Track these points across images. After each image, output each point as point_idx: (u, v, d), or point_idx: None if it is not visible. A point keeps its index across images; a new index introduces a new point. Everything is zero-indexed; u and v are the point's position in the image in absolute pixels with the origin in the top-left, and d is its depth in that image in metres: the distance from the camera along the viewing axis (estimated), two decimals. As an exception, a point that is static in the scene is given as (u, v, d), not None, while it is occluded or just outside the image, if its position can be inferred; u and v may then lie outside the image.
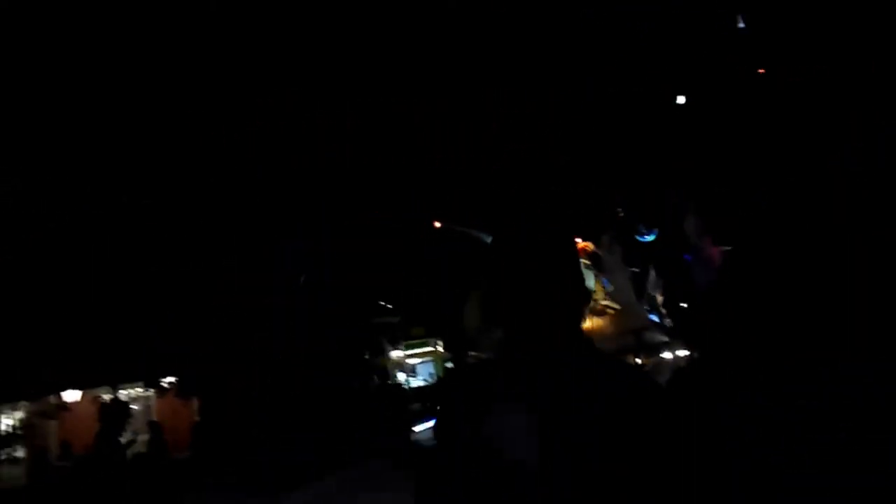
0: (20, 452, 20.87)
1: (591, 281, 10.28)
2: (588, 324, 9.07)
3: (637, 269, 12.39)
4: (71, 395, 21.54)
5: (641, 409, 1.46)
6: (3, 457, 19.03)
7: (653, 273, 12.31)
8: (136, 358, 17.52)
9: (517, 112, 11.07)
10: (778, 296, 1.61)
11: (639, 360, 9.52)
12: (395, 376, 20.23)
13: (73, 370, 19.01)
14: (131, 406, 22.46)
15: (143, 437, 22.87)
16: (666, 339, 10.14)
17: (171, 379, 20.77)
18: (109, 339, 16.94)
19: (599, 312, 10.13)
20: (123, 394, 22.12)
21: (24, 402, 21.28)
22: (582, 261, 10.20)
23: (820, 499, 1.36)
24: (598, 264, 11.53)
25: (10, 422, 21.90)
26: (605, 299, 10.39)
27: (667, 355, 10.03)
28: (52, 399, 21.51)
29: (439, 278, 13.48)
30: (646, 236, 12.69)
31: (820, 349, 1.52)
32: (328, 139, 10.99)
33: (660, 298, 11.96)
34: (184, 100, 10.49)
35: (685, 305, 10.81)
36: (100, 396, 21.61)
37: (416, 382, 21.64)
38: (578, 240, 10.54)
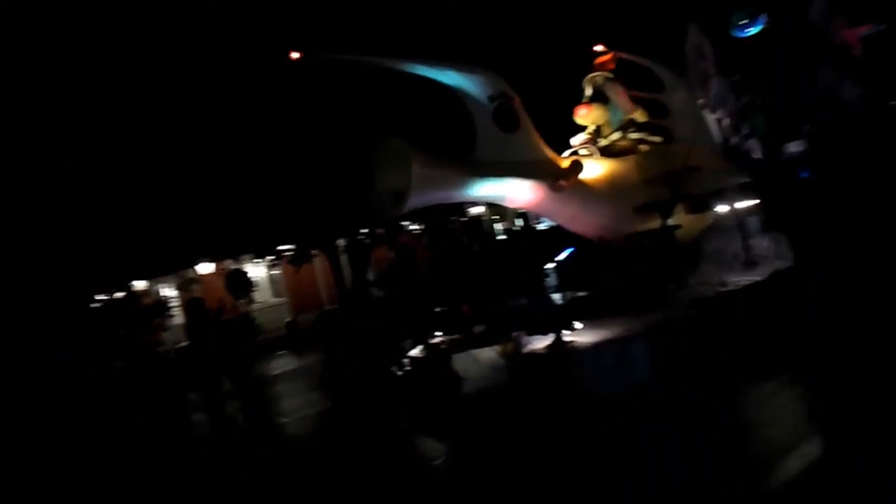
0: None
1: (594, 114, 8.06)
2: (593, 169, 7.68)
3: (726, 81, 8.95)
4: (204, 268, 24.42)
5: None
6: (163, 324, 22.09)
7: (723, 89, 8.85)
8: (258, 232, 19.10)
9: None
10: None
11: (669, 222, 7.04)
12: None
13: (205, 245, 21.60)
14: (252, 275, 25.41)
15: (272, 302, 26.00)
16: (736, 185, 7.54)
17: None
18: (235, 216, 18.60)
19: (618, 152, 7.87)
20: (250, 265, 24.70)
21: (171, 275, 24.65)
22: (598, 78, 8.41)
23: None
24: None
25: (166, 293, 25.49)
26: (631, 132, 7.95)
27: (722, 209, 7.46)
28: (189, 272, 24.64)
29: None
30: (747, 29, 9.21)
31: None
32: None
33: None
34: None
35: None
36: (227, 268, 24.33)
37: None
38: (600, 48, 8.46)
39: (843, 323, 5.31)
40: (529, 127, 7.31)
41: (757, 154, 9.43)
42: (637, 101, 8.52)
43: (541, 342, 6.27)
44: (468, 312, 7.21)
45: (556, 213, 7.55)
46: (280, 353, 15.30)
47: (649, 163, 7.86)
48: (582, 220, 7.57)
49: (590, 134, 8.24)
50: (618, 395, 5.20)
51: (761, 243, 7.58)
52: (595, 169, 7.64)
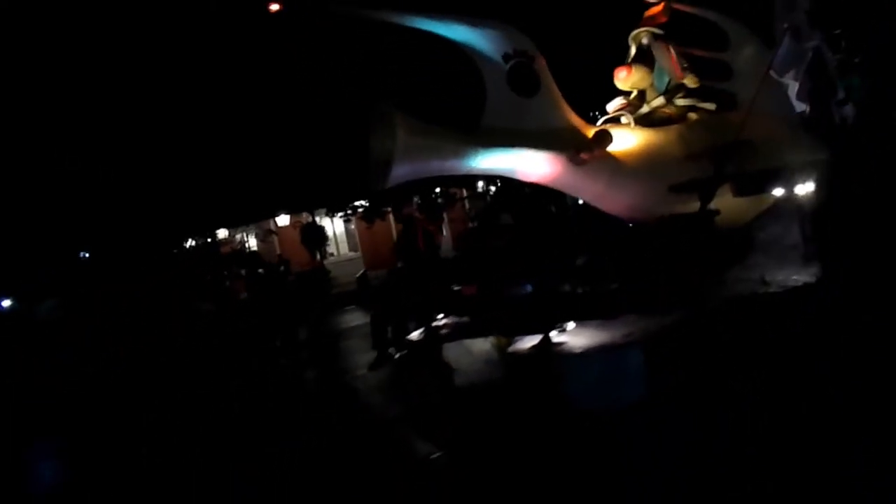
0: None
1: (635, 76, 6.83)
2: (627, 140, 6.60)
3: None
4: (282, 220, 24.91)
5: None
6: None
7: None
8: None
9: None
10: None
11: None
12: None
13: (284, 198, 22.01)
14: (328, 229, 25.63)
15: (348, 256, 26.23)
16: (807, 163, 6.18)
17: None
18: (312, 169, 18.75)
19: (660, 121, 6.74)
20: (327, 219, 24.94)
21: (251, 225, 25.40)
22: (642, 34, 7.10)
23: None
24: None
25: (249, 242, 26.35)
26: (679, 98, 6.75)
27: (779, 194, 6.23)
28: (268, 223, 25.24)
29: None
30: None
31: None
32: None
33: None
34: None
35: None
36: (301, 221, 24.69)
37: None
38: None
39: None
40: (552, 90, 6.36)
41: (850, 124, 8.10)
42: (695, 61, 7.37)
43: (528, 341, 5.54)
44: (474, 295, 6.60)
45: (580, 189, 6.57)
46: (350, 307, 15.41)
47: (695, 134, 6.66)
48: (610, 198, 6.58)
49: (629, 99, 7.16)
50: (602, 413, 4.50)
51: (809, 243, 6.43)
52: (629, 140, 6.56)
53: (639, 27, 7.22)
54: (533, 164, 6.20)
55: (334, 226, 25.65)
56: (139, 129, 17.06)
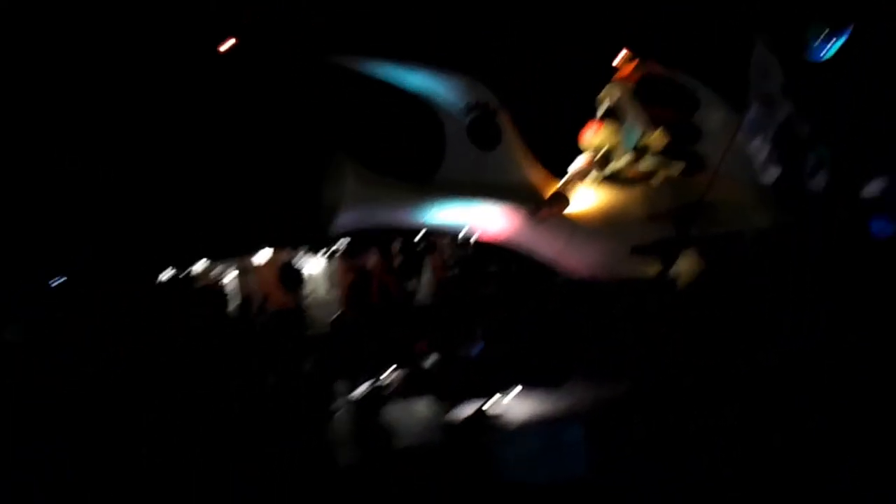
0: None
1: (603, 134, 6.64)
2: (590, 198, 6.43)
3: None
4: (262, 256, 24.62)
5: None
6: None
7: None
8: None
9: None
10: None
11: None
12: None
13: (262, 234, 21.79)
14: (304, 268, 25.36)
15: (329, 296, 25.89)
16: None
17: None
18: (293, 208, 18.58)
19: (626, 180, 6.56)
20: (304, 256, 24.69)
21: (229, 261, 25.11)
22: (613, 92, 6.95)
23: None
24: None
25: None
26: (647, 158, 6.53)
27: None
28: (246, 260, 24.96)
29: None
30: (825, 49, 7.39)
31: None
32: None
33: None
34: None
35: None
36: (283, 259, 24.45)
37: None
38: (622, 55, 6.97)
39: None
40: (514, 144, 6.24)
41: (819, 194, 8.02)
42: (664, 122, 7.31)
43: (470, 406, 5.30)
44: (424, 351, 6.34)
45: (539, 247, 6.28)
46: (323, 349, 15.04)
47: (661, 195, 6.45)
48: (570, 258, 6.31)
49: (596, 157, 7.05)
50: (538, 487, 4.20)
51: (781, 313, 6.26)
52: (592, 198, 6.40)
53: (609, 85, 7.22)
54: (489, 220, 5.99)
55: (314, 264, 25.42)
56: (112, 154, 16.93)
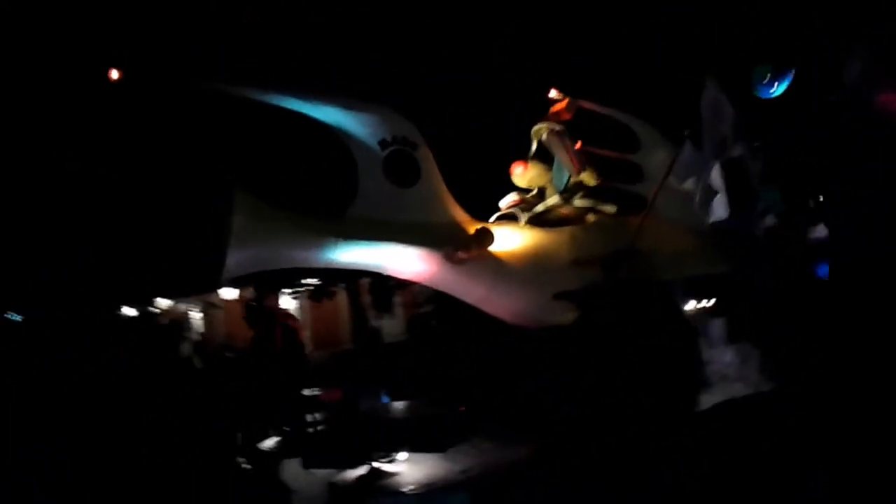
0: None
1: (531, 173, 6.41)
2: (515, 240, 6.02)
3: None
4: (229, 294, 24.02)
5: None
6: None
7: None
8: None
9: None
10: None
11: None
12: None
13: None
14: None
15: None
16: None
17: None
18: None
19: (555, 221, 6.25)
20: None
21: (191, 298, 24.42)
22: (542, 130, 6.58)
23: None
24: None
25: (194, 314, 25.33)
26: (578, 198, 6.20)
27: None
28: (211, 298, 24.30)
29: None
30: (772, 87, 7.50)
31: None
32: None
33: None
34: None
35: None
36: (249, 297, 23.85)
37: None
38: (554, 94, 6.62)
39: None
40: (433, 181, 5.81)
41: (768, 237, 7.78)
42: (600, 162, 7.04)
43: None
44: (334, 402, 5.88)
45: (459, 291, 5.87)
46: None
47: (591, 238, 6.11)
48: (493, 303, 5.91)
49: (525, 196, 6.64)
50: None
51: (723, 357, 5.91)
52: (518, 240, 5.98)
53: (541, 122, 6.94)
54: (403, 261, 5.56)
55: (282, 302, 24.84)
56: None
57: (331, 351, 18.56)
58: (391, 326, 17.72)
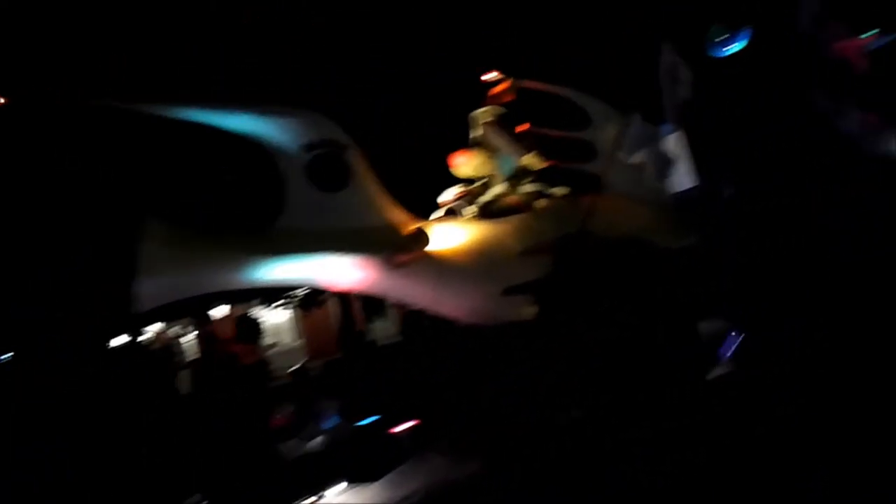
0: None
1: (475, 162, 5.98)
2: (460, 235, 5.62)
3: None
4: (219, 312, 23.75)
5: None
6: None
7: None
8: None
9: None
10: None
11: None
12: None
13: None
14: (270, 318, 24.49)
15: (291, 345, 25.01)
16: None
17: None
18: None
19: (502, 210, 5.82)
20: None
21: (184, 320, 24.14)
22: (479, 116, 6.24)
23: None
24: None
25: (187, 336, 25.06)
26: (525, 183, 5.90)
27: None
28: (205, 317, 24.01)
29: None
30: (727, 46, 7.24)
31: None
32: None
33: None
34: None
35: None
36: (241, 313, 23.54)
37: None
38: (493, 75, 6.22)
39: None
40: (366, 183, 5.38)
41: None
42: (548, 143, 6.68)
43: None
44: (282, 425, 5.57)
45: (405, 295, 5.51)
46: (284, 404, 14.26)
47: (542, 224, 5.67)
48: (444, 303, 5.46)
49: (470, 187, 6.23)
50: None
51: (693, 337, 5.56)
52: (463, 235, 5.57)
53: (482, 106, 6.58)
54: (338, 272, 5.17)
55: (274, 315, 24.60)
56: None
57: (324, 359, 18.35)
58: (383, 329, 17.49)
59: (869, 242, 5.75)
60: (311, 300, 22.05)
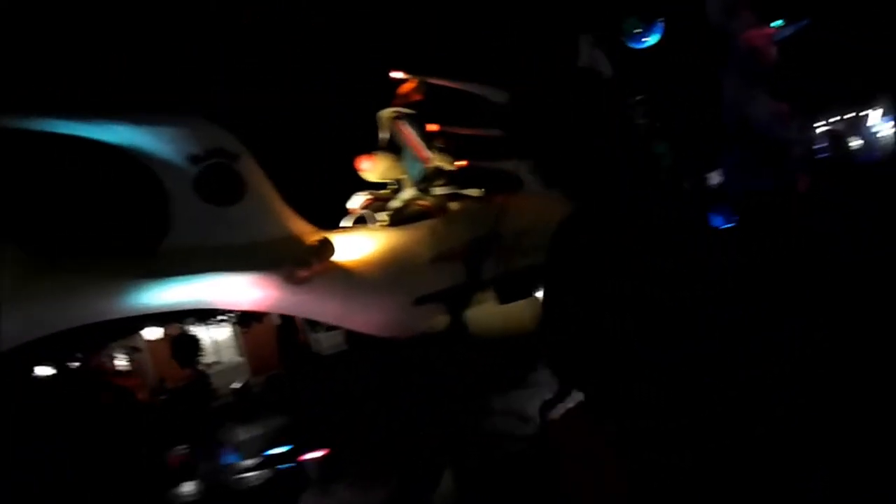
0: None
1: (381, 166, 5.65)
2: (367, 244, 5.28)
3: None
4: (152, 333, 22.71)
5: None
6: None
7: None
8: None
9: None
10: None
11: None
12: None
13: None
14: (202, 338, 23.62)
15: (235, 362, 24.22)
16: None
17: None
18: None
19: (412, 216, 5.57)
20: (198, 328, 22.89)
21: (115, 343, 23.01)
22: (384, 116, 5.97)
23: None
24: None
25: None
26: (436, 186, 5.64)
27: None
28: (134, 339, 22.95)
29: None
30: (643, 38, 7.24)
31: None
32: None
33: None
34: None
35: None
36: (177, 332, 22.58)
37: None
38: (398, 75, 5.86)
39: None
40: (263, 193, 4.97)
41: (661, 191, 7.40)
42: (462, 142, 6.45)
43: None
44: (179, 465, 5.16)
45: (311, 312, 5.21)
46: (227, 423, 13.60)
47: (455, 229, 5.39)
48: (354, 318, 5.21)
49: (378, 193, 5.88)
50: None
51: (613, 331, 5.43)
52: (370, 244, 5.25)
53: (390, 106, 6.29)
54: (234, 291, 4.80)
55: (214, 332, 23.73)
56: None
57: (266, 375, 17.73)
58: (328, 339, 17.00)
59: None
60: (251, 314, 21.36)
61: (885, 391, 3.90)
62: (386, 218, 5.67)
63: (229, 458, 4.70)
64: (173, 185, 4.84)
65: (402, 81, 6.12)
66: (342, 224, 5.73)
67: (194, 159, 4.87)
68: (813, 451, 3.49)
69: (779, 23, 6.95)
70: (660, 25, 7.75)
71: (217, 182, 4.93)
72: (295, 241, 5.09)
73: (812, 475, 3.44)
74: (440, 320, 5.00)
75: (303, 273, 4.84)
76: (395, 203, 5.71)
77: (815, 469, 3.48)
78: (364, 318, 5.19)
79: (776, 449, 3.57)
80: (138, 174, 4.93)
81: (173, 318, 20.53)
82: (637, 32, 7.76)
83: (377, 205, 5.75)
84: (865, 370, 4.21)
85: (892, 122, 12.47)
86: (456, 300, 4.87)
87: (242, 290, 4.82)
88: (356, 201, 5.84)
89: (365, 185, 6.17)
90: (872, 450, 3.50)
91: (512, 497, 3.55)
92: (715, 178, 7.66)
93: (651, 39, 7.87)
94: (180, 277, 4.64)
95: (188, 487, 4.63)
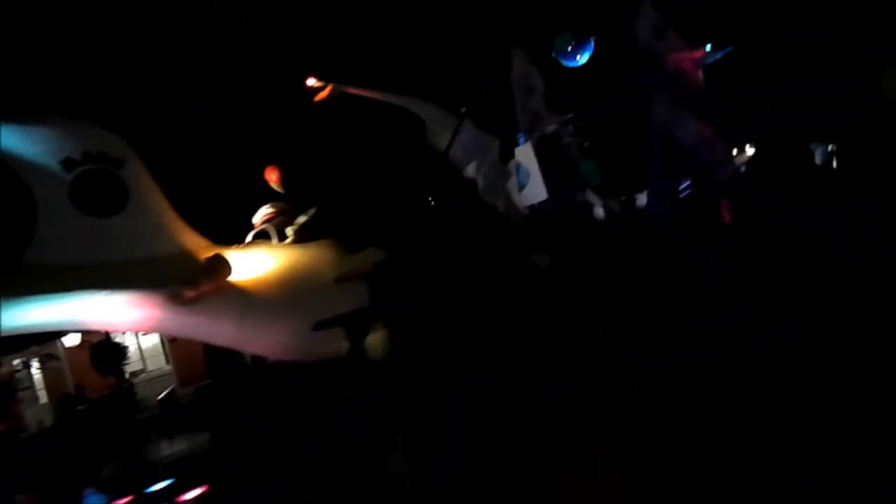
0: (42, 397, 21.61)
1: None
2: (276, 260, 4.88)
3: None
4: (71, 340, 21.56)
5: None
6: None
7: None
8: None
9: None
10: None
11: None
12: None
13: None
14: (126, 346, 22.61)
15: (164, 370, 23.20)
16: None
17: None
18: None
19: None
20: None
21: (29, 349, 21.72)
22: None
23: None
24: None
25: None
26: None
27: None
28: (55, 345, 21.75)
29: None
30: (576, 56, 7.21)
31: None
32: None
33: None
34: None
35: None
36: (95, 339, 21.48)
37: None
38: (313, 82, 5.61)
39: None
40: (150, 204, 4.54)
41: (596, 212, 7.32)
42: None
43: None
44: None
45: (200, 334, 4.73)
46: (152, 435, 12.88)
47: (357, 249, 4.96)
48: (251, 341, 4.81)
49: (281, 206, 5.65)
50: None
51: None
52: (270, 261, 4.84)
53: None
54: (111, 312, 4.37)
55: (140, 339, 22.69)
56: None
57: (194, 386, 16.99)
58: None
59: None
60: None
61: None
62: (280, 233, 5.33)
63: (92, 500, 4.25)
64: (44, 191, 4.40)
65: (317, 89, 5.83)
66: (248, 238, 5.36)
67: (68, 164, 4.44)
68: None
69: (705, 47, 6.98)
70: (591, 44, 7.71)
71: (94, 190, 4.52)
72: (184, 257, 4.67)
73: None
74: (341, 346, 4.70)
75: (189, 293, 4.43)
76: (302, 218, 5.37)
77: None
78: (258, 339, 4.76)
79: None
80: (6, 179, 4.44)
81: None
82: (569, 50, 7.71)
83: (282, 219, 5.41)
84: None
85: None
86: (350, 324, 4.56)
87: (120, 309, 4.37)
88: (260, 214, 5.48)
89: (276, 198, 5.84)
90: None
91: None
92: (642, 199, 7.62)
93: (583, 58, 7.82)
94: (49, 296, 4.18)
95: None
